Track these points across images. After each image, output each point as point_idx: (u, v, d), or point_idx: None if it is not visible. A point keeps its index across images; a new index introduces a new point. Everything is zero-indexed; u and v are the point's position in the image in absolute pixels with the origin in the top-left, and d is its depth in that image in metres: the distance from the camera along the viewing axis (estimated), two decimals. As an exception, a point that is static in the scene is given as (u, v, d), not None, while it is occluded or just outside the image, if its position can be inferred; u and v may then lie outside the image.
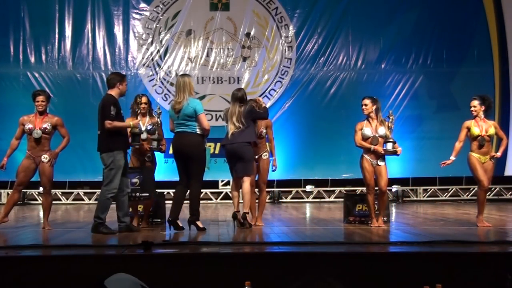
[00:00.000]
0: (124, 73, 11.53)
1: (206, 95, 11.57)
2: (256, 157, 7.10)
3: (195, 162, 6.52)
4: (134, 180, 6.82)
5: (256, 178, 7.20)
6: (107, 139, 6.35)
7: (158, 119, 7.15)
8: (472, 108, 7.05)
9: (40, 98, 6.86)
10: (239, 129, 6.78)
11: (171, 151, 11.02)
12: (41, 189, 7.93)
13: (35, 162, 6.79)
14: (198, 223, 6.52)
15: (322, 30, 11.92)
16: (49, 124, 6.83)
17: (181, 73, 11.72)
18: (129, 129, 6.70)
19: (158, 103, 10.83)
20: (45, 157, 6.78)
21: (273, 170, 7.33)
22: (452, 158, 7.08)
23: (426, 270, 4.58)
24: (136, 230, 6.56)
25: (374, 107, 6.97)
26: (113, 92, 6.48)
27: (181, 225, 6.53)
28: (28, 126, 6.79)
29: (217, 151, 10.82)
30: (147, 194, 6.83)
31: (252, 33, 11.89)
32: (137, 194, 6.87)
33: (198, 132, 6.52)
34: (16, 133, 6.92)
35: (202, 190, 7.01)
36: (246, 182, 6.79)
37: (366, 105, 6.97)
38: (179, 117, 6.54)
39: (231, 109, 6.93)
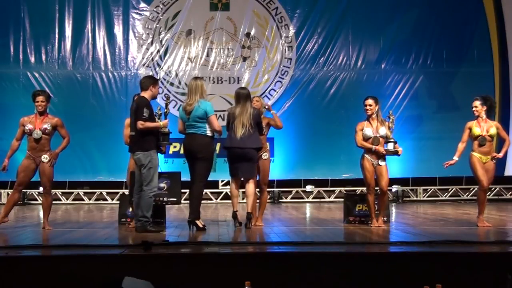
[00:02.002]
0: (124, 73, 11.75)
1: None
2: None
3: (202, 163, 6.62)
4: (162, 185, 6.84)
5: (257, 179, 7.19)
6: (141, 140, 6.45)
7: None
8: (474, 109, 7.05)
9: (40, 98, 6.86)
10: (248, 132, 6.75)
11: (171, 151, 11.13)
12: (41, 189, 7.92)
13: (35, 162, 6.79)
14: (198, 222, 6.56)
15: (322, 30, 11.92)
16: (49, 125, 6.83)
17: (181, 73, 11.77)
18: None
19: (159, 104, 10.83)
20: (45, 157, 6.78)
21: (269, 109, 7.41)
22: (456, 158, 7.08)
23: (426, 270, 4.58)
24: (156, 230, 6.48)
25: (377, 107, 6.97)
26: (146, 94, 6.59)
27: (201, 225, 6.61)
28: (28, 126, 6.79)
29: (217, 151, 10.81)
30: (175, 199, 6.84)
31: (252, 33, 11.90)
32: (165, 198, 6.89)
33: (208, 134, 6.65)
34: (17, 134, 6.91)
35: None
36: (252, 184, 6.83)
37: (370, 105, 6.94)
38: (189, 118, 6.63)
39: (240, 108, 6.84)
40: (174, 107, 10.95)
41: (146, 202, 6.40)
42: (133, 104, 6.62)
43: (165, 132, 6.68)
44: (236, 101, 6.94)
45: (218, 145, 7.27)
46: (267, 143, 7.28)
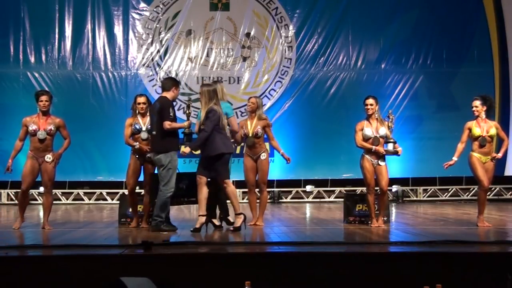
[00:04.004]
0: (124, 73, 11.75)
1: (206, 95, 11.55)
2: (255, 157, 7.09)
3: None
4: (181, 185, 6.89)
5: (256, 179, 7.19)
6: (163, 140, 6.52)
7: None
8: (474, 108, 7.02)
9: (44, 98, 6.87)
10: None
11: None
12: (41, 189, 7.92)
13: (38, 162, 6.80)
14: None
15: (322, 30, 11.92)
16: (53, 126, 6.86)
17: (181, 73, 11.76)
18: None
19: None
20: (48, 157, 6.80)
21: (288, 163, 7.28)
22: (455, 159, 7.07)
23: (426, 270, 4.59)
24: (171, 230, 6.55)
25: (377, 107, 6.97)
26: (168, 95, 6.67)
27: (217, 223, 6.77)
28: (33, 127, 6.79)
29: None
30: (194, 199, 6.89)
31: (252, 33, 11.90)
32: (185, 198, 6.99)
33: None
34: (20, 134, 6.90)
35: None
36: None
37: (371, 105, 6.92)
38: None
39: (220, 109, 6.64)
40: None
41: (162, 202, 6.48)
42: (155, 104, 6.69)
43: (188, 132, 6.78)
44: (214, 98, 6.52)
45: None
46: (266, 143, 7.25)
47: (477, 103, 7.02)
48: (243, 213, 6.65)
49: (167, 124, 6.45)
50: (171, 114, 6.51)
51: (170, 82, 6.75)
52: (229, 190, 6.55)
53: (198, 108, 7.20)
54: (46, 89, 11.19)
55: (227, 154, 6.49)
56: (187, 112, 6.87)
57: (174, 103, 6.95)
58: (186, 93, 11.46)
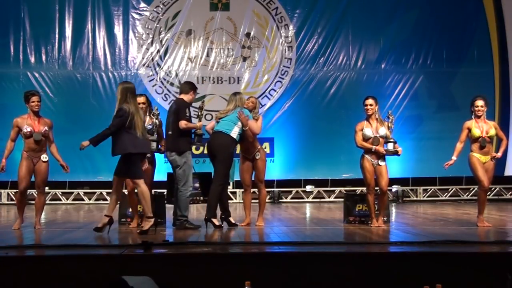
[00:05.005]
0: (124, 73, 11.74)
1: (206, 95, 11.58)
2: (250, 157, 7.08)
3: (219, 162, 6.76)
4: (196, 184, 7.07)
5: (253, 178, 7.18)
6: (178, 140, 6.71)
7: (156, 120, 7.16)
8: (480, 108, 6.97)
9: (36, 98, 6.86)
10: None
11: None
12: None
13: (33, 162, 6.80)
14: (215, 220, 6.75)
15: (322, 30, 11.93)
16: (47, 127, 6.87)
17: (181, 73, 11.77)
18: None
19: (159, 103, 10.85)
20: (44, 157, 6.81)
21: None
22: (454, 158, 7.05)
23: (426, 270, 4.58)
24: (194, 227, 6.70)
25: (376, 107, 6.97)
26: (185, 97, 6.92)
27: (218, 223, 6.78)
28: (27, 129, 6.76)
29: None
30: (207, 198, 7.00)
31: (252, 33, 11.90)
32: (200, 198, 7.12)
33: (232, 135, 6.82)
34: (12, 135, 6.84)
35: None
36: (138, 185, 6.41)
37: (371, 105, 6.92)
38: (219, 122, 6.93)
39: (134, 105, 6.55)
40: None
41: (183, 202, 6.70)
42: (172, 105, 6.95)
43: (199, 133, 6.96)
44: (126, 96, 6.51)
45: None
46: (258, 143, 7.19)
47: (481, 102, 6.99)
48: (154, 218, 6.34)
49: (183, 124, 6.64)
50: (187, 114, 6.73)
51: (188, 86, 7.00)
52: (140, 191, 6.27)
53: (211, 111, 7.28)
54: (46, 89, 11.26)
55: (135, 154, 6.25)
56: (200, 114, 7.07)
57: (171, 100, 7.02)
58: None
